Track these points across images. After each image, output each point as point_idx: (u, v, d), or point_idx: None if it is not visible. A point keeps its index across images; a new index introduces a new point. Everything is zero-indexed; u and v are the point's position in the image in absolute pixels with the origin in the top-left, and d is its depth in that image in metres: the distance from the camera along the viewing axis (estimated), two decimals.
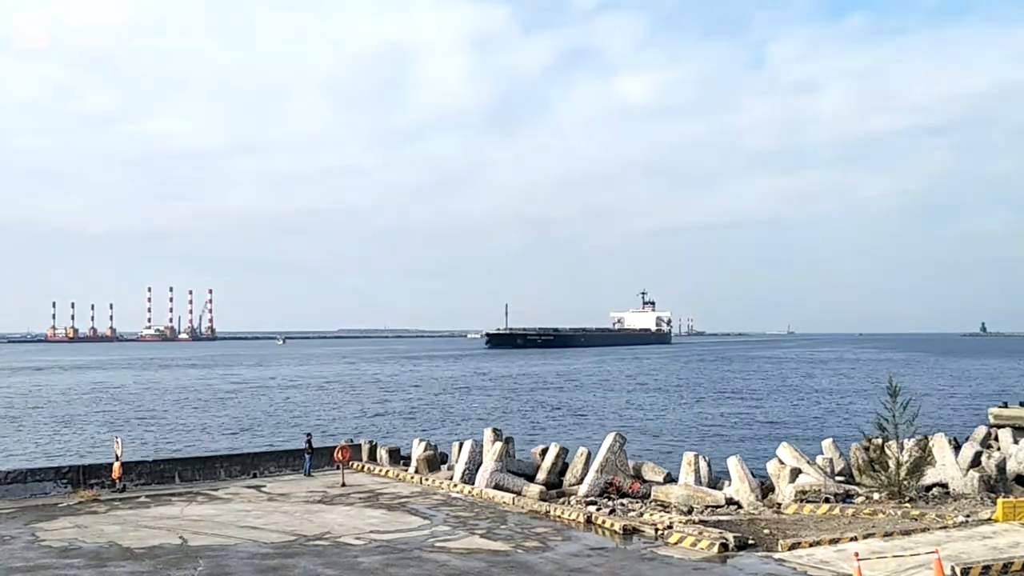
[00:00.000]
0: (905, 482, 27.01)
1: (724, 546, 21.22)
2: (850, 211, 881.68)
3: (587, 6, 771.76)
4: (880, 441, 29.06)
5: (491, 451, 30.61)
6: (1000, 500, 24.33)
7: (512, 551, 21.36)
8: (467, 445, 31.92)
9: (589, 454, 31.20)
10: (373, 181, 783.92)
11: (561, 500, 28.26)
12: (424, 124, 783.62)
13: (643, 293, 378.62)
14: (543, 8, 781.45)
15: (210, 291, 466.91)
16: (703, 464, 29.62)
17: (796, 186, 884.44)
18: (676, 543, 21.98)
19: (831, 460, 31.39)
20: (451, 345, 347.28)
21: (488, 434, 32.08)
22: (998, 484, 29.36)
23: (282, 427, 66.15)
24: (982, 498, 26.93)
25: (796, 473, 28.33)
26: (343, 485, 30.94)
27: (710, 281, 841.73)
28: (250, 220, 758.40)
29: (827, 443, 33.09)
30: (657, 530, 23.23)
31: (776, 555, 20.73)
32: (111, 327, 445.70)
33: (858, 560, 18.07)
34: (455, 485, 30.40)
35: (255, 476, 33.45)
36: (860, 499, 27.06)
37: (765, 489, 28.51)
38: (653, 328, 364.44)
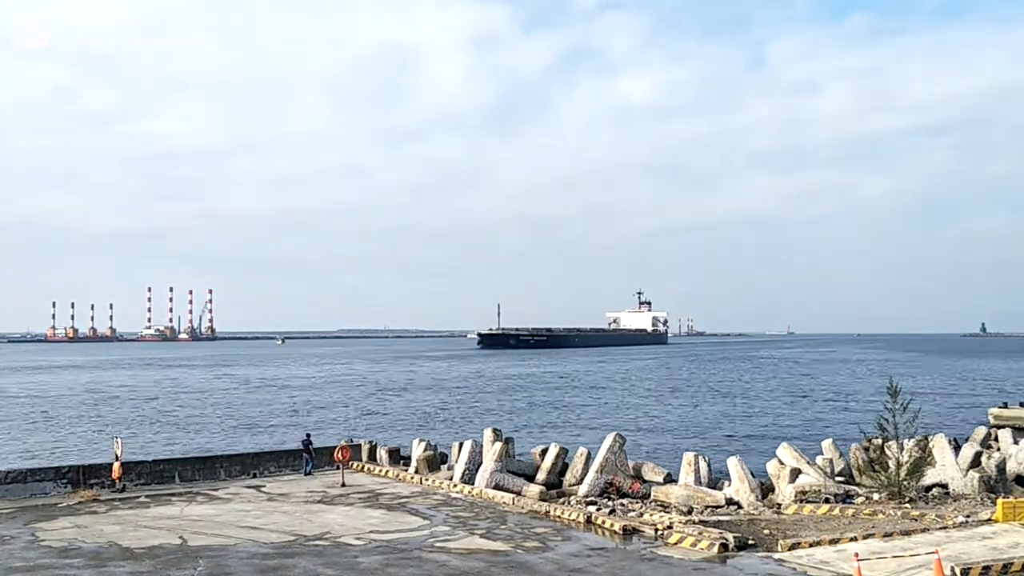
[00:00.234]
0: (905, 482, 27.01)
1: (724, 546, 21.22)
2: (850, 211, 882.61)
3: (588, 6, 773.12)
4: (880, 441, 29.06)
5: (491, 451, 30.61)
6: (1000, 500, 24.32)
7: (512, 551, 21.36)
8: (467, 445, 31.92)
9: (589, 454, 31.19)
10: (373, 181, 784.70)
11: (561, 500, 28.26)
12: (424, 124, 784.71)
13: (639, 293, 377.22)
14: (544, 8, 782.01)
15: (210, 291, 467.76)
16: (703, 464, 29.61)
17: (796, 186, 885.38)
18: (676, 543, 21.98)
19: (831, 460, 31.40)
20: (445, 345, 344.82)
21: (488, 434, 32.08)
22: (998, 484, 29.36)
23: (282, 427, 66.17)
24: (982, 498, 26.93)
25: (796, 473, 28.32)
26: (343, 485, 30.94)
27: (710, 281, 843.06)
28: (250, 220, 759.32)
29: (827, 443, 33.09)
30: (657, 530, 23.23)
31: (776, 555, 20.74)
32: (111, 327, 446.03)
33: (858, 560, 18.07)
34: (455, 485, 30.40)
35: (255, 476, 33.46)
36: (860, 499, 27.06)
37: (765, 489, 28.51)
38: (649, 328, 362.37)
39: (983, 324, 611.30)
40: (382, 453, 36.37)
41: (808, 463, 29.13)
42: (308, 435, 36.99)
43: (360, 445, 37.11)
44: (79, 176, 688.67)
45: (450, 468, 32.92)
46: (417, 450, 34.27)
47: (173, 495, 29.38)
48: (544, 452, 32.69)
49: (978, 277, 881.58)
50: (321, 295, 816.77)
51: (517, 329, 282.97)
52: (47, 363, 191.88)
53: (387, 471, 34.17)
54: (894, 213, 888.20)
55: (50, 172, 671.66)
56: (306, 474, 33.84)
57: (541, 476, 31.36)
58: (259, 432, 63.27)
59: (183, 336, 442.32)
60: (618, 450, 30.27)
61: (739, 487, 28.10)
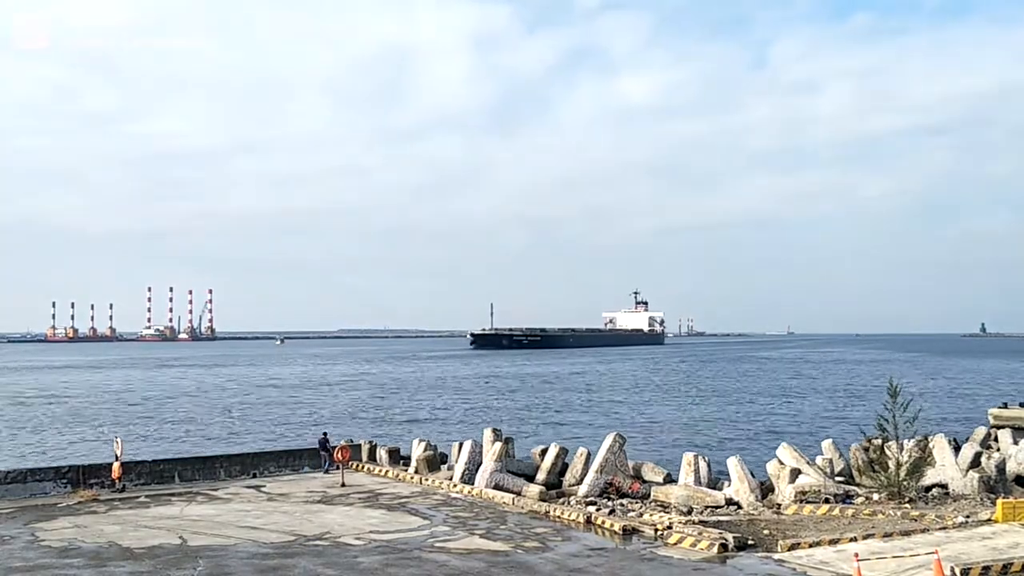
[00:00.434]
0: (905, 483, 27.00)
1: (724, 546, 21.22)
2: (850, 211, 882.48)
3: (590, 5, 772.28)
4: (880, 442, 29.06)
5: (491, 451, 30.61)
6: (1000, 501, 24.31)
7: (512, 551, 21.36)
8: (467, 445, 31.92)
9: (589, 454, 31.19)
10: (373, 181, 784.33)
11: (561, 500, 28.26)
12: (425, 124, 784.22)
13: (635, 293, 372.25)
14: (546, 8, 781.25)
15: (210, 291, 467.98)
16: (703, 464, 29.61)
17: (796, 186, 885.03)
18: (676, 543, 21.98)
19: (831, 461, 31.41)
20: (440, 346, 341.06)
21: (488, 434, 32.08)
22: (998, 485, 29.35)
23: (281, 427, 66.19)
24: (982, 499, 26.92)
25: (796, 474, 28.32)
26: (343, 485, 30.93)
27: (710, 281, 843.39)
28: (250, 220, 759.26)
29: (827, 443, 33.09)
30: (657, 530, 23.23)
31: (776, 556, 20.73)
32: (111, 327, 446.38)
33: (858, 561, 18.07)
34: (455, 485, 30.40)
35: (255, 476, 33.46)
36: (860, 500, 27.06)
37: (765, 489, 28.51)
38: (645, 328, 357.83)
39: (983, 324, 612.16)
40: (382, 453, 36.38)
41: (808, 463, 29.14)
42: (325, 434, 37.27)
43: (360, 445, 37.12)
44: (79, 176, 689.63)
45: (450, 468, 32.92)
46: (417, 450, 34.27)
47: (173, 495, 29.39)
48: (544, 452, 32.69)
49: (978, 277, 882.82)
50: (321, 295, 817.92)
51: (510, 329, 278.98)
52: (47, 363, 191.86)
53: (387, 471, 34.17)
54: (894, 213, 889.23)
55: (50, 172, 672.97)
56: (325, 472, 33.99)
57: (541, 476, 31.36)
58: (259, 432, 63.26)
59: (183, 336, 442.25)
60: (618, 450, 30.27)
61: (739, 487, 28.10)
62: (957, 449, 31.65)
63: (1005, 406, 40.46)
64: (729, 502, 27.62)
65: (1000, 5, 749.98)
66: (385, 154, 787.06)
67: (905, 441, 28.05)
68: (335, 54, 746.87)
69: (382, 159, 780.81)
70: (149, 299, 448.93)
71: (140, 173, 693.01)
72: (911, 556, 19.74)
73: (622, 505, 27.29)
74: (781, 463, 29.15)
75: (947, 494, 28.21)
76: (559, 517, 25.30)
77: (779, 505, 26.98)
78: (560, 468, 31.91)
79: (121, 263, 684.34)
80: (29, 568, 19.92)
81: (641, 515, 25.57)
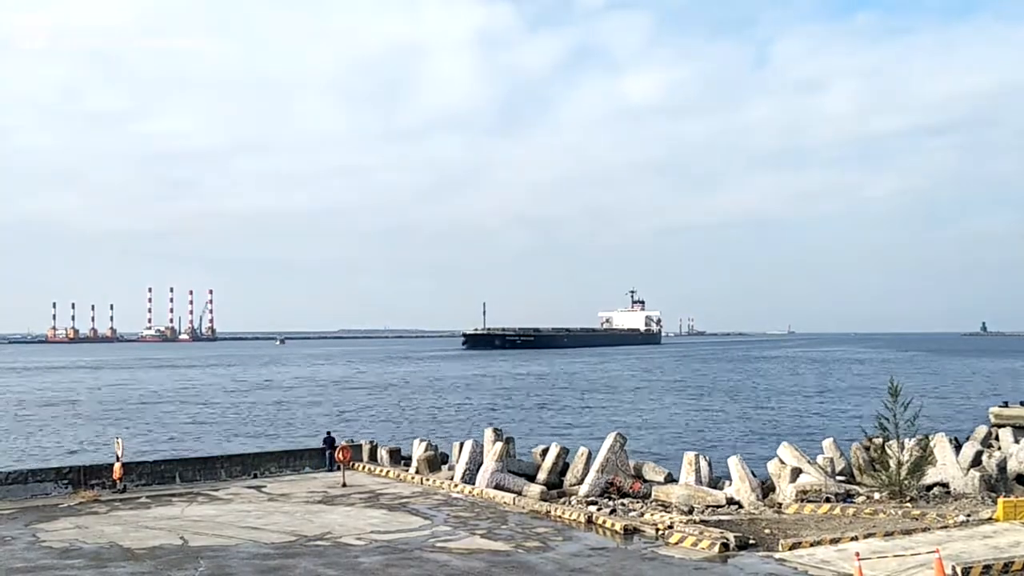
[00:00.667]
0: (906, 482, 27.00)
1: (725, 546, 21.21)
2: (852, 211, 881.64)
3: (594, 5, 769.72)
4: (881, 441, 29.05)
5: (492, 451, 30.61)
6: (1001, 499, 24.33)
7: (513, 551, 21.36)
8: (468, 445, 31.92)
9: (590, 454, 31.19)
10: (373, 181, 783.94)
11: (562, 500, 28.25)
12: (427, 123, 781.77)
13: (632, 292, 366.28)
14: (549, 7, 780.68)
15: (210, 291, 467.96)
16: (704, 464, 29.61)
17: (799, 185, 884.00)
18: (677, 543, 21.98)
19: (832, 460, 31.36)
20: (432, 346, 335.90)
21: (489, 434, 32.08)
22: (999, 484, 29.37)
23: (282, 427, 66.24)
24: (983, 498, 26.92)
25: (797, 473, 28.32)
26: (344, 485, 30.94)
27: (711, 281, 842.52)
28: (251, 220, 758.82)
29: (828, 443, 33.07)
30: (658, 530, 23.23)
31: (777, 555, 20.73)
32: (111, 328, 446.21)
33: (859, 560, 18.07)
34: (456, 485, 30.40)
35: (256, 476, 33.47)
36: (861, 499, 27.06)
37: (766, 489, 28.50)
38: (642, 328, 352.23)
39: (984, 323, 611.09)
40: (383, 453, 36.40)
41: (809, 462, 29.12)
42: (329, 433, 37.41)
43: (361, 445, 37.13)
44: (79, 176, 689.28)
45: (451, 468, 32.91)
46: (418, 450, 34.28)
47: (174, 495, 29.39)
48: (545, 452, 32.70)
49: (979, 277, 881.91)
50: (321, 295, 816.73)
51: (503, 329, 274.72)
52: (48, 364, 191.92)
53: (388, 471, 34.17)
54: (896, 213, 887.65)
55: (50, 172, 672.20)
56: (329, 470, 34.14)
57: (542, 476, 31.37)
58: (259, 432, 63.29)
59: (183, 337, 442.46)
60: (619, 450, 30.26)
61: (740, 487, 28.10)
62: (958, 448, 31.66)
63: (1006, 405, 40.43)
64: (730, 501, 27.61)
65: (1007, 2, 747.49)
66: (386, 154, 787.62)
67: (906, 440, 28.05)
68: (337, 54, 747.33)
69: (383, 159, 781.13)
70: (150, 299, 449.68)
71: (141, 173, 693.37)
72: (912, 555, 19.74)
73: (623, 505, 27.28)
74: (782, 462, 29.14)
75: (948, 493, 28.21)
76: (560, 517, 25.30)
77: (780, 504, 26.98)
78: (561, 468, 31.92)
79: (121, 263, 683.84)
80: (30, 569, 19.92)
81: (642, 515, 25.57)
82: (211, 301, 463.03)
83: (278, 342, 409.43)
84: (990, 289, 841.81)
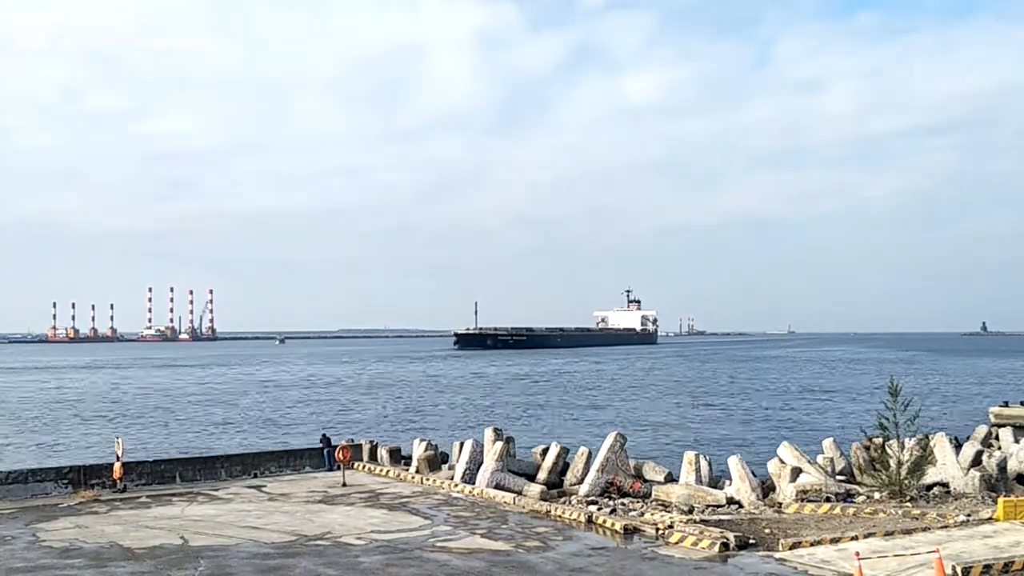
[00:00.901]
0: (906, 481, 27.00)
1: (725, 545, 21.21)
2: (852, 211, 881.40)
3: (595, 5, 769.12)
4: (881, 440, 29.06)
5: (492, 451, 30.61)
6: (1001, 499, 24.33)
7: (513, 551, 21.36)
8: (468, 445, 31.92)
9: (590, 454, 31.19)
10: (373, 181, 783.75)
11: (562, 500, 28.25)
12: (427, 123, 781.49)
13: (628, 291, 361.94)
14: (550, 7, 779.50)
15: (211, 291, 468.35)
16: (704, 463, 29.61)
17: (799, 185, 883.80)
18: (677, 543, 21.98)
19: (832, 459, 31.37)
20: (424, 347, 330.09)
21: (489, 434, 32.08)
22: (999, 483, 29.36)
23: (282, 427, 66.23)
24: (983, 497, 26.92)
25: (797, 472, 28.32)
26: (344, 485, 30.94)
27: (711, 281, 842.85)
28: (251, 220, 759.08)
29: (828, 442, 33.07)
30: (658, 530, 23.22)
31: (777, 555, 20.73)
32: (112, 327, 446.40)
33: (859, 559, 18.07)
34: (456, 485, 30.40)
35: (256, 476, 33.47)
36: (861, 498, 27.06)
37: (766, 488, 28.50)
38: (638, 328, 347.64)
39: (984, 323, 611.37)
40: (383, 453, 36.39)
41: (809, 462, 29.12)
42: (325, 433, 37.84)
43: (361, 445, 37.14)
44: (80, 176, 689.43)
45: (451, 468, 32.91)
46: (418, 450, 34.27)
47: (174, 495, 29.39)
48: (545, 452, 32.70)
49: (979, 277, 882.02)
50: (321, 295, 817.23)
51: (495, 329, 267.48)
52: (48, 364, 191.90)
53: (388, 471, 34.17)
54: (896, 213, 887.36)
55: (51, 172, 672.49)
56: (329, 470, 34.25)
57: (542, 476, 31.37)
58: (260, 432, 63.29)
59: (184, 336, 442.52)
60: (619, 449, 30.26)
61: (740, 486, 28.10)
62: (958, 448, 31.65)
63: (1006, 404, 40.44)
64: (730, 501, 27.61)
65: (1007, 2, 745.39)
66: (386, 154, 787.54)
67: (906, 440, 28.05)
68: (337, 54, 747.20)
69: (383, 159, 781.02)
70: (150, 299, 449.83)
71: (141, 173, 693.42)
72: (912, 555, 19.73)
73: (623, 504, 27.28)
74: (782, 462, 29.14)
75: (948, 493, 28.21)
76: (560, 516, 25.30)
77: (780, 504, 26.98)
78: (561, 467, 31.92)
79: (121, 263, 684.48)
80: (30, 569, 19.92)
81: (642, 514, 25.57)
82: (211, 301, 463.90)
83: (278, 342, 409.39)
84: (990, 289, 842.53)
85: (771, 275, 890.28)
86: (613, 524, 23.83)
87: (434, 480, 31.64)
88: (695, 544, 21.62)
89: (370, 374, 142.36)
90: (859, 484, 29.44)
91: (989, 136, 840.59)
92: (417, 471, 33.22)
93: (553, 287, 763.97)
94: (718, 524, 23.49)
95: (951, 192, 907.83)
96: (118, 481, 30.07)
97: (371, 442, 37.84)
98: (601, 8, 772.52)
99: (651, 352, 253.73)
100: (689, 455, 29.95)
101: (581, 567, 19.85)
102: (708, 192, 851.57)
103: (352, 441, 37.68)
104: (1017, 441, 33.84)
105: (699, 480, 29.00)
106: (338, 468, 33.03)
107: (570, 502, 27.75)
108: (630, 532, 23.31)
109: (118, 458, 30.54)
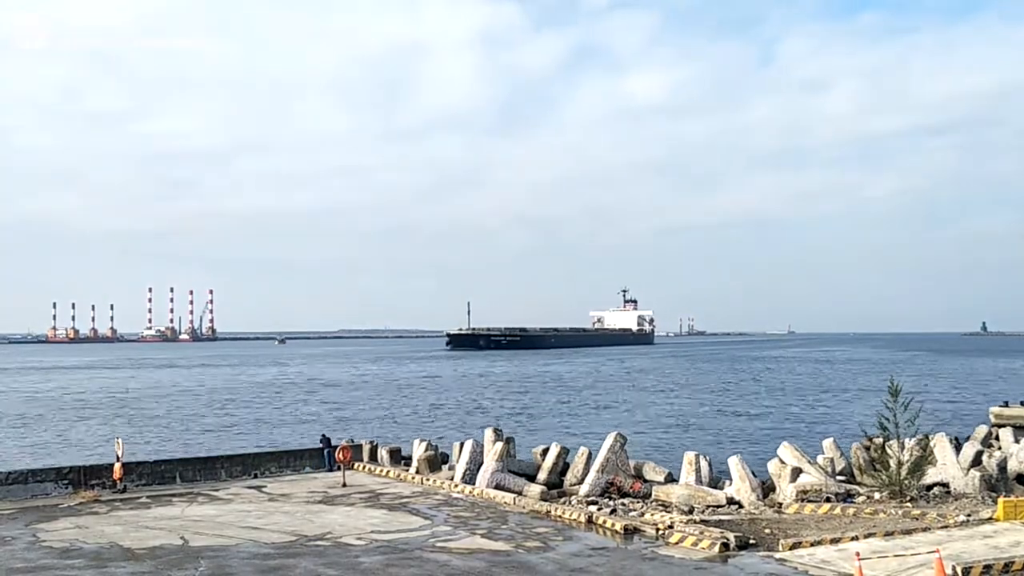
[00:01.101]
0: (906, 481, 27.00)
1: (725, 546, 21.21)
2: (852, 211, 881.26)
3: (598, 4, 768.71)
4: (881, 440, 29.04)
5: (492, 451, 30.61)
6: (1001, 499, 24.32)
7: (513, 551, 21.36)
8: (468, 445, 31.92)
9: (590, 454, 31.19)
10: (374, 181, 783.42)
11: (562, 500, 28.24)
12: (427, 123, 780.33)
13: (624, 291, 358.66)
14: (555, 6, 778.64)
15: (211, 291, 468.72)
16: (704, 464, 29.60)
17: (799, 185, 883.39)
18: (677, 543, 21.98)
19: (832, 460, 31.36)
20: (416, 347, 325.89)
21: (489, 434, 32.08)
22: (999, 483, 29.35)
23: (282, 427, 66.22)
24: (983, 497, 26.92)
25: (797, 473, 28.32)
26: (344, 485, 30.94)
27: (711, 281, 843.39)
28: (251, 220, 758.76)
29: (828, 443, 33.07)
30: (658, 530, 23.22)
31: (777, 555, 20.73)
32: (112, 328, 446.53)
33: (859, 560, 18.07)
34: (456, 485, 30.40)
35: (256, 476, 33.47)
36: (861, 499, 27.05)
37: (766, 489, 28.50)
38: (634, 328, 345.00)
39: (984, 323, 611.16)
40: (383, 453, 36.39)
41: (809, 462, 29.12)
42: (324, 435, 37.88)
43: (361, 445, 37.14)
44: (80, 176, 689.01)
45: (451, 468, 32.91)
46: (418, 450, 34.28)
47: (174, 496, 29.40)
48: (545, 452, 32.70)
49: (979, 277, 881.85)
50: (321, 295, 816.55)
51: (488, 329, 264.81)
52: (48, 364, 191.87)
53: (388, 471, 34.17)
54: (896, 213, 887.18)
55: (51, 172, 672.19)
56: (329, 470, 34.30)
57: (542, 476, 31.37)
58: (260, 432, 63.29)
59: (184, 337, 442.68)
60: (619, 450, 30.26)
61: (740, 486, 28.10)
62: (958, 448, 31.63)
63: (1006, 405, 40.43)
64: (730, 501, 27.61)
65: (1009, 2, 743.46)
66: (386, 154, 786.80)
67: (906, 440, 28.04)
68: (337, 54, 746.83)
69: (383, 159, 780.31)
70: (150, 300, 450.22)
71: (141, 173, 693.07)
72: (912, 555, 19.74)
73: (623, 505, 27.28)
74: (782, 462, 29.14)
75: (948, 493, 28.20)
76: (560, 517, 25.30)
77: (780, 504, 26.97)
78: (561, 468, 31.91)
79: (121, 263, 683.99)
80: (30, 569, 19.92)
81: (642, 515, 25.57)
82: (211, 301, 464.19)
83: (278, 342, 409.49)
84: (990, 289, 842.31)
85: (771, 275, 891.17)
86: (613, 524, 23.83)
87: (434, 480, 31.65)
88: (695, 544, 21.62)
89: (360, 373, 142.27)
90: (859, 484, 29.44)
91: (989, 136, 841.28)
92: (417, 471, 33.22)
93: (553, 287, 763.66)
94: (718, 524, 23.49)
95: (951, 192, 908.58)
96: (118, 481, 30.07)
97: (371, 442, 37.84)
98: (604, 8, 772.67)
99: (645, 353, 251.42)
100: (689, 455, 29.95)
101: (581, 567, 19.85)
102: (708, 192, 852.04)
103: (352, 441, 37.68)
104: (1017, 441, 33.83)
105: (699, 480, 29.00)
106: (338, 468, 33.05)
107: (570, 502, 27.75)
108: (630, 532, 23.30)
109: (118, 458, 30.54)
